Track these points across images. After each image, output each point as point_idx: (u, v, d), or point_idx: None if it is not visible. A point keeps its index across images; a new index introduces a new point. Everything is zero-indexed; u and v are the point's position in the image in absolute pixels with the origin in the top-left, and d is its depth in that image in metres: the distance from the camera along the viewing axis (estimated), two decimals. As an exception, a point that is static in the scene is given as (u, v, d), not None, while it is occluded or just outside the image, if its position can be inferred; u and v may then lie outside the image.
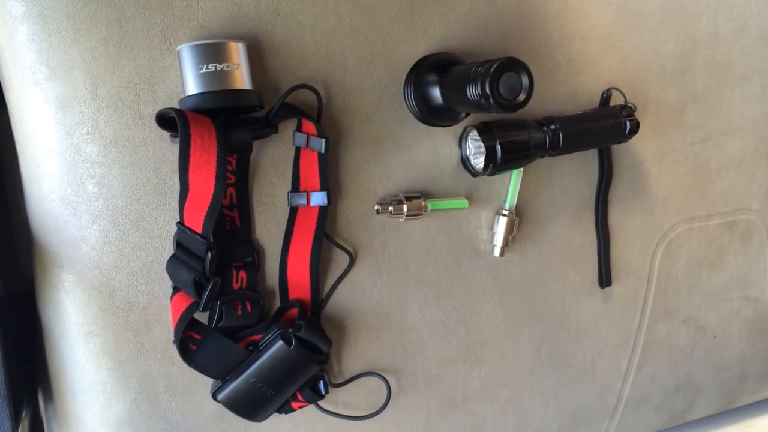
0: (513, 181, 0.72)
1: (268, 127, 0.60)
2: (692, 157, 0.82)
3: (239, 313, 0.61)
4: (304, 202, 0.63)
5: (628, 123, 0.71)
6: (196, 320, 0.60)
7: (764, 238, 0.88)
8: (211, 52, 0.55)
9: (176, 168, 0.56)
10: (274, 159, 0.63)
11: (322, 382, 0.66)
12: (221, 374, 0.62)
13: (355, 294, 0.68)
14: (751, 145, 0.85)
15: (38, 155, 0.58)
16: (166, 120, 0.56)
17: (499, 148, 0.65)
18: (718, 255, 0.86)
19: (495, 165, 0.66)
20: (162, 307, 0.61)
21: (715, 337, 0.89)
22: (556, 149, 0.69)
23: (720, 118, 0.82)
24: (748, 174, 0.86)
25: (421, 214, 0.67)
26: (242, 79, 0.57)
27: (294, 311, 0.64)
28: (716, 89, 0.81)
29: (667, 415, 0.90)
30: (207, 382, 0.64)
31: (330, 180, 0.64)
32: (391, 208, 0.66)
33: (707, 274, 0.86)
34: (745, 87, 0.83)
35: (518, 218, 0.72)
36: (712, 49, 0.80)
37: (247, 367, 0.61)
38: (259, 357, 0.61)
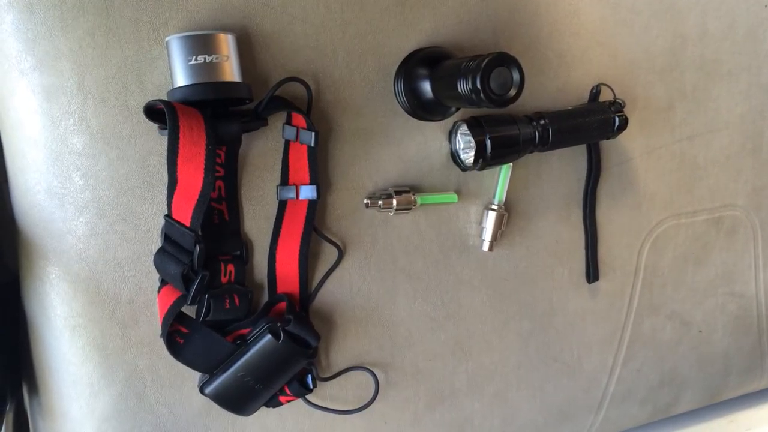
0: (502, 176, 0.72)
1: (257, 119, 0.60)
2: (680, 153, 0.82)
3: (227, 306, 0.61)
4: (293, 195, 0.63)
5: (616, 119, 0.71)
6: (184, 314, 0.60)
7: (749, 234, 0.89)
8: (200, 44, 0.55)
9: (164, 160, 0.55)
10: (264, 152, 0.63)
11: (310, 376, 0.66)
12: (209, 368, 0.62)
13: (343, 288, 0.68)
14: (737, 142, 0.86)
15: (24, 146, 0.58)
16: (154, 112, 0.56)
17: (488, 143, 0.65)
18: (704, 251, 0.87)
19: (485, 160, 0.66)
20: (149, 300, 0.61)
21: (700, 332, 0.90)
22: (545, 145, 0.69)
23: (707, 114, 0.83)
24: (734, 171, 0.86)
25: (410, 209, 0.67)
26: (231, 71, 0.56)
27: (282, 305, 0.64)
28: (704, 86, 0.82)
29: (652, 409, 0.91)
30: (194, 376, 0.63)
31: (319, 173, 0.63)
32: (380, 202, 0.66)
33: (693, 269, 0.87)
34: (732, 84, 0.84)
35: (507, 213, 0.72)
36: (700, 47, 0.81)
37: (235, 361, 0.61)
38: (247, 351, 0.61)
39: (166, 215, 0.58)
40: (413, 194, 0.67)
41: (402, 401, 0.73)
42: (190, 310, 0.61)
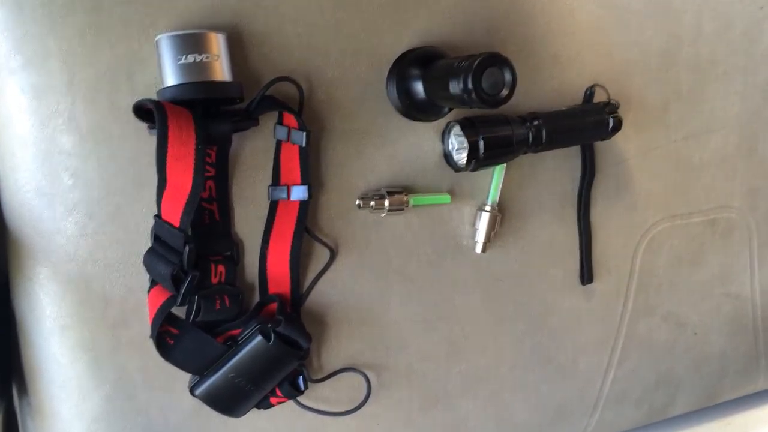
0: (495, 176, 0.72)
1: (248, 119, 0.60)
2: (675, 154, 0.82)
3: (218, 307, 0.60)
4: (284, 195, 0.63)
5: (611, 120, 0.71)
6: (174, 314, 0.59)
7: (745, 235, 0.89)
8: (191, 43, 0.54)
9: (154, 160, 0.55)
10: (255, 152, 0.62)
11: (301, 377, 0.66)
12: (199, 369, 0.61)
13: (336, 289, 0.68)
14: (733, 143, 0.85)
15: (13, 145, 0.57)
16: (144, 111, 0.55)
17: (482, 143, 0.65)
18: (700, 252, 0.87)
19: (478, 160, 0.65)
20: (139, 300, 0.61)
21: (695, 333, 0.89)
22: (539, 145, 0.68)
23: (703, 115, 0.83)
24: (729, 171, 0.86)
25: (403, 209, 0.67)
26: (222, 71, 0.56)
27: (273, 306, 0.63)
28: (699, 87, 0.82)
29: (648, 410, 0.90)
30: (184, 377, 0.63)
31: (311, 174, 0.63)
32: (372, 202, 0.66)
33: (688, 270, 0.86)
34: (728, 85, 0.83)
35: (500, 214, 0.72)
36: (696, 47, 0.80)
37: (226, 362, 0.60)
38: (237, 352, 0.60)
39: (155, 215, 0.58)
40: (406, 195, 0.67)
41: (395, 403, 0.73)
42: (180, 311, 0.60)
